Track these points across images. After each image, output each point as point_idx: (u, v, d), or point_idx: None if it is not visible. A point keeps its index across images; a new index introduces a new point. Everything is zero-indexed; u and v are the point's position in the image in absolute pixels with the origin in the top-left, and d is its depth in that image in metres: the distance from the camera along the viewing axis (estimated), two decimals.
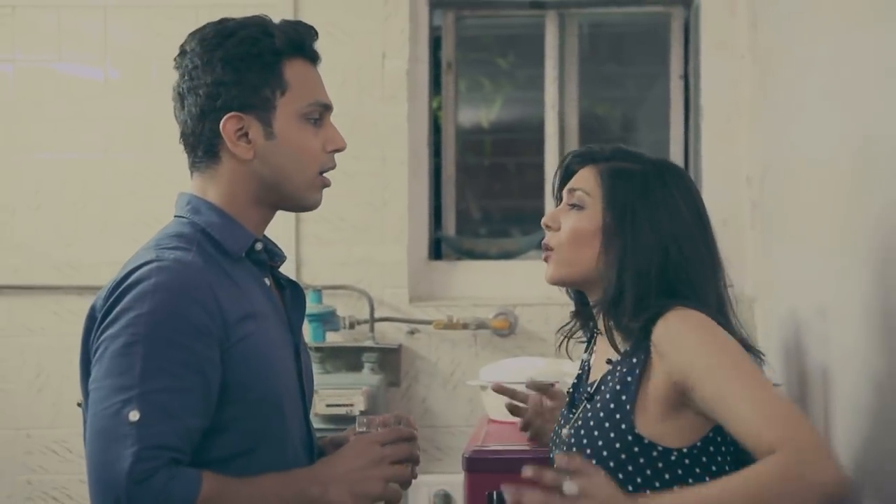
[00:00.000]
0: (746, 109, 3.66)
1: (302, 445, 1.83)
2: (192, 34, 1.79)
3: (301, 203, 1.82)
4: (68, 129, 3.69)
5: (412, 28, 3.71)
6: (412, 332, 3.65)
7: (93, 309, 1.69)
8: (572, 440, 1.82)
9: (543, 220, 1.92)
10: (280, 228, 3.52)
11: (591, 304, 1.92)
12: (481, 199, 4.17)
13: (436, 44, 3.89)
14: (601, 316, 1.86)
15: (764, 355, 1.84)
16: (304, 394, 1.86)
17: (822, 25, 2.70)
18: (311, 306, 3.50)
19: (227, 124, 1.73)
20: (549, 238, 1.91)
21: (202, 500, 1.57)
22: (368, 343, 3.57)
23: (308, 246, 3.62)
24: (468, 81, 4.13)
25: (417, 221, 3.76)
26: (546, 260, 1.91)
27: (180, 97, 1.78)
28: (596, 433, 1.77)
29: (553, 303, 3.63)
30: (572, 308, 2.03)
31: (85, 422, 1.67)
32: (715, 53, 3.73)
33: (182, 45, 1.79)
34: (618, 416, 1.75)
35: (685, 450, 1.74)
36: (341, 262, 3.66)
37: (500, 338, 3.64)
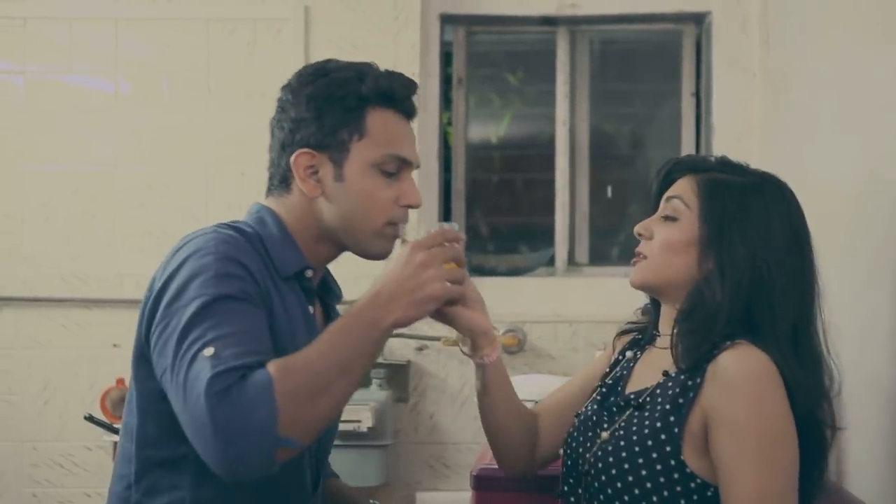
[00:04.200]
0: (757, 128, 3.65)
1: (309, 469, 1.82)
2: (298, 72, 1.82)
3: (364, 249, 1.83)
4: (78, 140, 3.69)
5: (423, 43, 3.71)
6: (421, 349, 3.64)
7: (152, 281, 1.67)
8: (610, 448, 1.76)
9: (636, 229, 1.88)
10: None
11: (664, 313, 1.87)
12: (490, 215, 4.16)
13: (446, 59, 3.89)
14: (674, 325, 1.79)
15: (833, 394, 1.77)
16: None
17: (833, 44, 2.69)
18: None
19: (299, 159, 1.76)
20: (643, 246, 1.86)
21: (278, 382, 1.49)
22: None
23: None
24: (478, 97, 4.13)
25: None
26: (634, 264, 1.86)
27: (271, 129, 1.82)
28: (637, 448, 1.71)
29: (562, 320, 3.63)
30: (641, 307, 1.98)
31: (127, 405, 1.69)
32: (726, 71, 3.73)
33: (288, 79, 1.82)
34: (663, 436, 1.70)
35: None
36: (352, 276, 3.64)
37: (508, 355, 3.63)
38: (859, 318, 2.38)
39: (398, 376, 3.61)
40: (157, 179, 3.65)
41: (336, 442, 3.31)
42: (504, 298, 3.78)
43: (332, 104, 1.75)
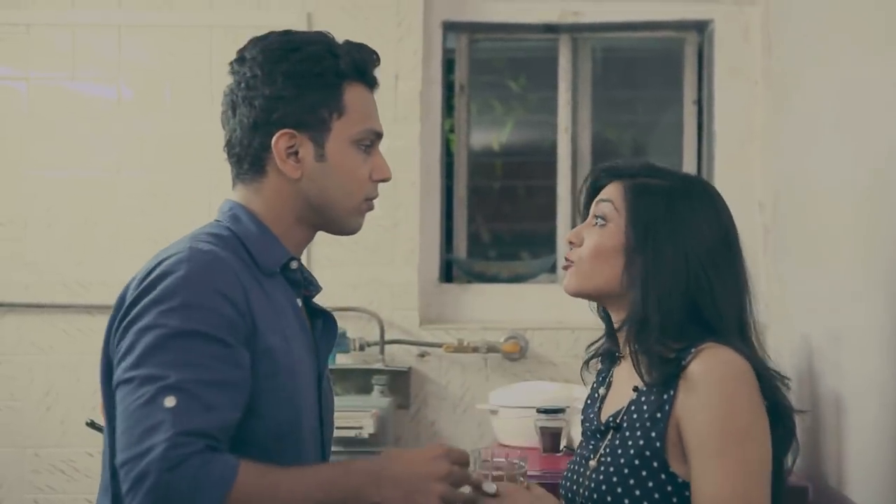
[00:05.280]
0: (759, 135, 3.65)
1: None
2: (255, 41, 1.76)
3: (343, 227, 1.80)
4: (81, 147, 3.70)
5: (425, 50, 3.72)
6: (422, 355, 3.64)
7: (121, 298, 1.63)
8: (599, 475, 1.76)
9: (567, 237, 1.89)
10: None
11: (614, 323, 1.87)
12: (492, 222, 4.16)
13: (449, 66, 3.89)
14: (627, 339, 1.81)
15: (789, 379, 1.80)
16: (323, 423, 1.82)
17: (835, 51, 2.69)
18: None
19: (280, 140, 1.71)
20: (571, 253, 1.87)
21: (238, 487, 1.47)
22: (378, 365, 3.55)
23: (319, 267, 3.62)
24: (480, 104, 4.13)
25: (428, 243, 3.76)
26: (565, 270, 1.88)
27: (232, 105, 1.74)
28: (626, 471, 1.71)
29: (564, 327, 3.63)
30: (604, 329, 1.96)
31: (106, 424, 1.63)
32: (728, 79, 3.73)
33: (241, 51, 1.76)
34: (648, 453, 1.70)
35: None
36: (352, 283, 3.65)
37: (510, 362, 3.63)
38: (861, 322, 2.38)
39: (400, 383, 3.61)
40: (160, 186, 3.66)
41: (337, 448, 3.33)
42: (506, 305, 3.79)
43: (311, 81, 1.71)
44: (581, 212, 1.95)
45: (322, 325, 1.87)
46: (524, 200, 4.26)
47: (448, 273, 3.88)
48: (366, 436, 3.31)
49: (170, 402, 1.48)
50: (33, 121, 3.71)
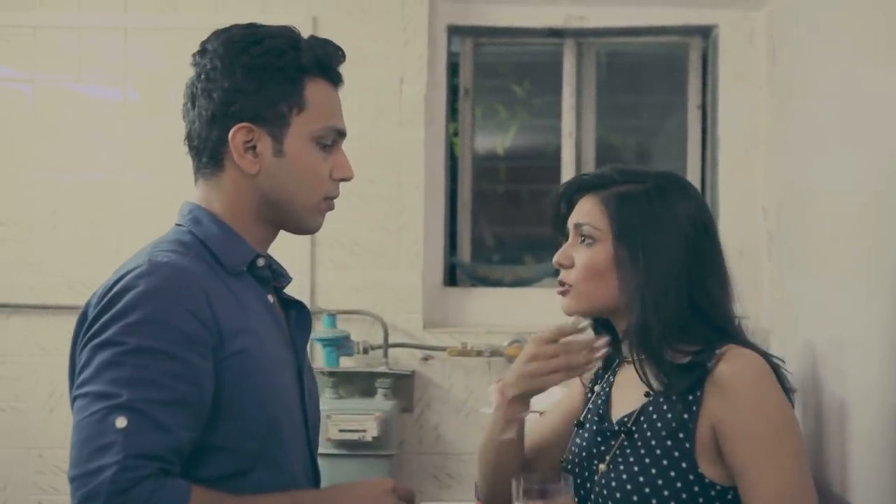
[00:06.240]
0: (763, 140, 3.65)
1: (303, 474, 1.75)
2: (218, 33, 1.73)
3: (301, 226, 1.75)
4: (86, 149, 3.70)
5: (430, 54, 3.72)
6: (426, 359, 3.64)
7: (83, 314, 1.62)
8: (613, 478, 1.76)
9: (555, 260, 1.88)
10: (295, 252, 3.53)
11: (618, 333, 1.88)
12: (496, 226, 4.17)
13: (453, 70, 3.90)
14: (630, 346, 1.81)
15: (784, 361, 1.81)
16: (308, 419, 1.78)
17: (839, 57, 2.70)
18: (325, 331, 3.51)
19: (237, 134, 1.67)
20: (565, 275, 1.86)
21: None
22: (382, 368, 3.56)
23: (323, 270, 3.62)
24: (484, 108, 4.14)
25: (433, 247, 3.76)
26: (563, 294, 1.87)
27: (192, 97, 1.72)
28: (654, 471, 1.72)
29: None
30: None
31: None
32: (733, 84, 3.73)
33: (204, 43, 1.73)
34: (676, 454, 1.72)
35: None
36: (356, 286, 3.66)
37: None
38: (864, 328, 2.38)
39: (403, 386, 3.61)
40: (165, 188, 3.66)
41: (341, 451, 3.35)
42: (509, 309, 3.79)
43: (272, 75, 1.67)
44: (555, 228, 1.95)
45: (296, 315, 1.82)
46: (528, 204, 4.26)
47: (452, 277, 3.88)
48: (369, 439, 3.32)
49: (121, 422, 1.47)
50: (39, 123, 3.71)
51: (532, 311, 3.74)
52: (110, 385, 1.49)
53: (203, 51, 1.72)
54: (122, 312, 1.54)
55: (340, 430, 3.33)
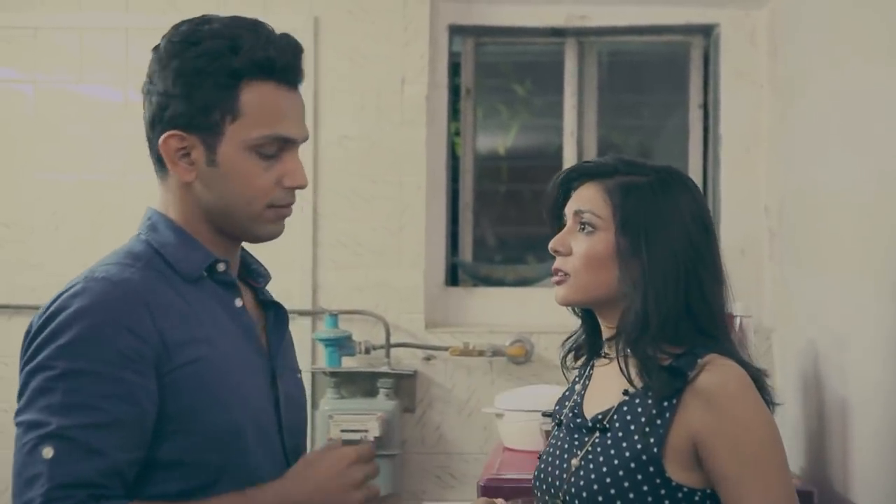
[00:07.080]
0: (765, 139, 3.65)
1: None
2: (171, 29, 1.64)
3: (248, 234, 1.66)
4: (88, 150, 3.70)
5: (432, 54, 3.72)
6: (428, 359, 3.64)
7: (26, 335, 1.57)
8: (589, 475, 1.74)
9: (551, 245, 1.82)
10: (297, 252, 3.52)
11: (602, 326, 1.85)
12: (497, 226, 4.17)
13: (454, 69, 3.90)
14: (616, 342, 1.77)
15: (768, 373, 1.82)
16: (282, 426, 1.68)
17: (841, 56, 2.69)
18: (327, 331, 3.51)
19: (169, 141, 1.58)
20: (562, 263, 1.80)
21: None
22: (384, 368, 3.56)
23: (325, 270, 3.62)
24: (486, 108, 4.14)
25: (434, 247, 3.76)
26: (558, 283, 1.82)
27: (144, 97, 1.64)
28: (621, 472, 1.70)
29: (569, 331, 3.62)
30: (580, 324, 1.93)
31: None
32: (734, 83, 3.73)
33: (161, 39, 1.64)
34: (644, 457, 1.69)
35: (709, 490, 1.69)
36: (358, 286, 3.66)
37: (516, 365, 3.63)
38: (867, 328, 2.38)
39: (405, 386, 3.61)
40: None
41: None
42: (511, 309, 3.79)
43: (203, 80, 1.56)
44: (550, 215, 1.89)
45: (273, 317, 1.74)
46: (530, 204, 4.25)
47: (454, 276, 3.88)
48: (371, 439, 3.31)
49: (48, 452, 1.43)
50: (40, 123, 3.71)
51: (534, 310, 3.74)
52: (41, 413, 1.46)
53: (156, 48, 1.64)
54: (53, 334, 1.49)
55: (342, 431, 3.33)
